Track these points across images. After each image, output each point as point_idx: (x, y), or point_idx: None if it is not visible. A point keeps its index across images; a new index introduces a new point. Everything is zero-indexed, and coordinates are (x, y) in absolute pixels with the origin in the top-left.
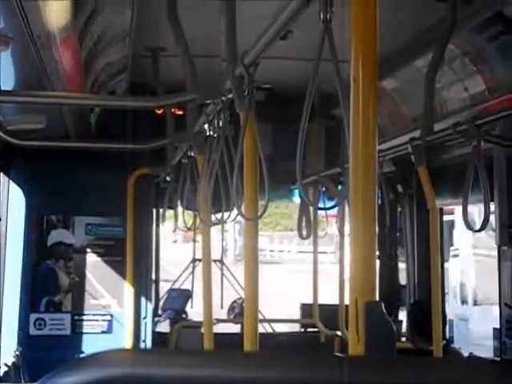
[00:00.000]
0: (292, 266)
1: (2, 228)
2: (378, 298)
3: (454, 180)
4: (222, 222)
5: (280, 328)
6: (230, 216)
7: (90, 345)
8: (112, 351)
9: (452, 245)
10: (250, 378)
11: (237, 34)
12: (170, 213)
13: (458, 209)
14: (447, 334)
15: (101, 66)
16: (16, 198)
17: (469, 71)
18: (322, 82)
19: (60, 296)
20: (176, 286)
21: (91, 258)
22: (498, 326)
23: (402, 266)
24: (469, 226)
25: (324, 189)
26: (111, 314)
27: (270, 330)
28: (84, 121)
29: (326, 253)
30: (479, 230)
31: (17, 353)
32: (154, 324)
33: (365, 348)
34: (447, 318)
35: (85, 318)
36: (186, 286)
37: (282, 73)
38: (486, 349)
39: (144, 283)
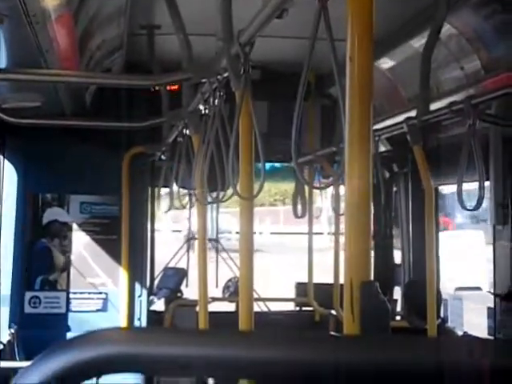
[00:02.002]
0: (274, 255)
1: None
2: (372, 278)
3: (450, 160)
4: (217, 200)
5: (275, 307)
6: (225, 195)
7: (85, 323)
8: (107, 330)
9: None
10: (244, 357)
11: (232, 12)
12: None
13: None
14: (442, 313)
15: (96, 44)
16: (11, 177)
17: (465, 50)
18: (318, 60)
19: (55, 274)
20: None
21: (86, 237)
22: (492, 305)
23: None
24: (463, 205)
25: (319, 168)
26: (106, 292)
27: (264, 309)
28: (79, 99)
29: (321, 234)
30: (474, 209)
31: (12, 331)
32: (149, 303)
33: (360, 327)
34: (442, 297)
35: (80, 296)
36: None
37: (278, 51)
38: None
39: (139, 262)
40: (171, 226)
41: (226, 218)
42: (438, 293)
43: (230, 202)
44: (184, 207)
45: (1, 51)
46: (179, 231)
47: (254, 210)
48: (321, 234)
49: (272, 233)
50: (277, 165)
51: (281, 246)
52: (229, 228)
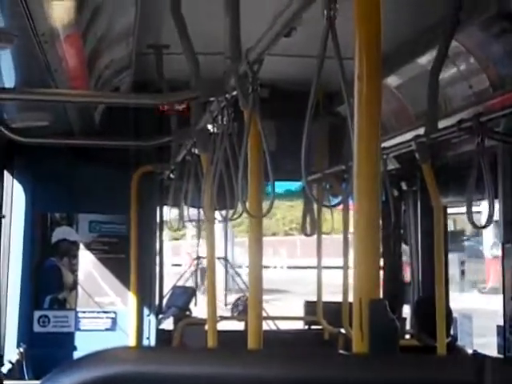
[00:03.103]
0: (298, 296)
1: (6, 225)
2: (381, 296)
3: (459, 177)
4: (226, 219)
5: (284, 325)
6: (234, 213)
7: (94, 342)
8: (116, 349)
9: None
10: (253, 376)
11: (240, 31)
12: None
13: None
14: (453, 332)
15: (105, 64)
16: (20, 196)
17: (473, 68)
18: (326, 79)
19: (64, 293)
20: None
21: (95, 256)
22: (502, 324)
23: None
24: (474, 223)
25: (328, 186)
26: (115, 311)
27: (273, 327)
28: (88, 118)
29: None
30: (484, 227)
31: (21, 350)
32: (158, 321)
33: (369, 345)
34: (452, 316)
35: (89, 315)
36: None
37: (286, 70)
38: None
39: (147, 281)
40: (170, 259)
41: (237, 250)
42: (449, 311)
43: (240, 231)
44: (192, 226)
45: (10, 71)
46: (179, 265)
47: (266, 239)
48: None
49: (289, 267)
50: (291, 187)
51: (302, 282)
52: (240, 261)
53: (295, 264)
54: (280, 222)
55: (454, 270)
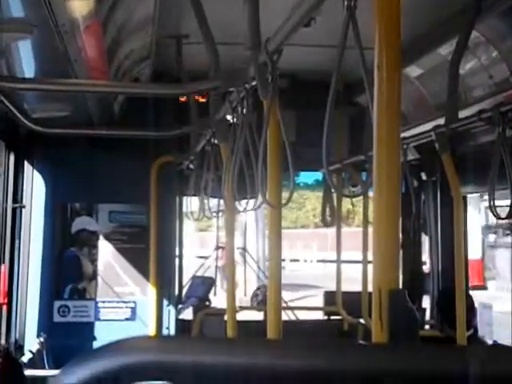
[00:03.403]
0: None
1: (26, 215)
2: (401, 286)
3: (479, 168)
4: (246, 209)
5: (303, 315)
6: (255, 203)
7: (114, 332)
8: (135, 338)
9: None
10: (273, 365)
11: (260, 21)
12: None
13: None
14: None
15: (124, 54)
16: (40, 186)
17: (493, 58)
18: (346, 69)
19: (84, 283)
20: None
21: (115, 246)
22: None
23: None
24: (496, 213)
25: (348, 176)
26: (134, 301)
27: (293, 318)
28: (107, 108)
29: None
30: (506, 218)
31: (41, 339)
32: (178, 311)
33: (388, 336)
34: (475, 307)
35: (108, 305)
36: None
37: (305, 60)
38: None
39: (167, 271)
40: (197, 251)
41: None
42: (471, 302)
43: (287, 224)
44: (213, 216)
45: (30, 61)
46: (205, 257)
47: (296, 232)
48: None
49: (319, 261)
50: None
51: (334, 277)
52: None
53: (327, 257)
54: (310, 213)
55: None
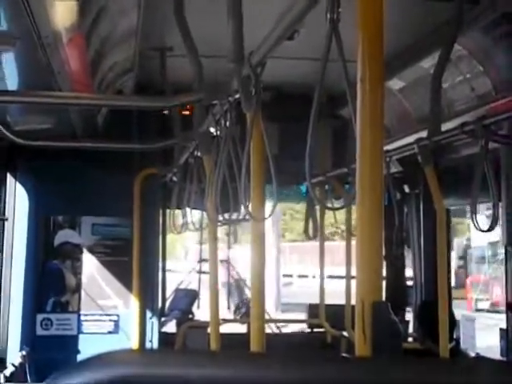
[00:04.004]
0: None
1: (9, 228)
2: (384, 298)
3: (462, 180)
4: (229, 221)
5: (286, 328)
6: (238, 216)
7: (97, 345)
8: (118, 351)
9: None
10: (256, 378)
11: (244, 34)
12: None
13: None
14: (455, 335)
15: (108, 66)
16: (23, 198)
17: (475, 71)
18: (329, 82)
19: (67, 296)
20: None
21: (98, 258)
22: (504, 327)
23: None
24: (478, 226)
25: (331, 189)
26: (117, 314)
27: (276, 330)
28: (91, 121)
29: None
30: (488, 230)
31: (24, 353)
32: (161, 324)
33: (371, 348)
34: (456, 319)
35: (91, 318)
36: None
37: (289, 73)
38: None
39: (150, 283)
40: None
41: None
42: (452, 315)
43: (294, 236)
44: (196, 229)
45: (13, 73)
46: (205, 273)
47: (303, 245)
48: None
49: (330, 276)
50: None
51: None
52: (290, 270)
53: (336, 273)
54: (334, 223)
55: None
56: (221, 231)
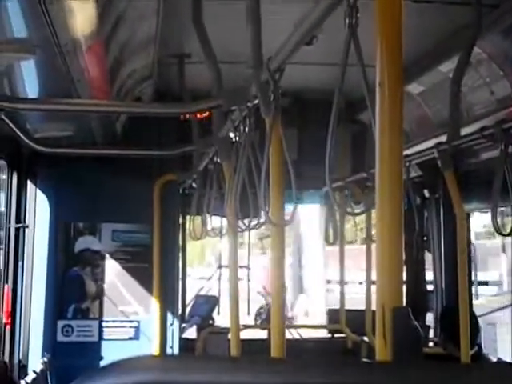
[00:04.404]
0: None
1: (29, 235)
2: (404, 303)
3: (482, 184)
4: (249, 228)
5: (307, 334)
6: (258, 222)
7: (118, 351)
8: (139, 357)
9: None
10: None
11: (262, 40)
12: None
13: None
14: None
15: (127, 73)
16: (43, 206)
17: (495, 75)
18: (348, 86)
19: (87, 303)
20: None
21: (118, 265)
22: None
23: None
24: (499, 230)
25: (350, 194)
26: (138, 320)
27: (296, 336)
28: (110, 128)
29: None
30: (509, 234)
31: (45, 359)
32: (181, 330)
33: (392, 353)
34: (479, 324)
35: (112, 324)
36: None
37: (307, 78)
38: None
39: (171, 290)
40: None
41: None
42: (475, 319)
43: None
44: (216, 235)
45: (33, 81)
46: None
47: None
48: None
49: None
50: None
51: None
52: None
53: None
54: (353, 228)
55: None
56: (253, 236)
